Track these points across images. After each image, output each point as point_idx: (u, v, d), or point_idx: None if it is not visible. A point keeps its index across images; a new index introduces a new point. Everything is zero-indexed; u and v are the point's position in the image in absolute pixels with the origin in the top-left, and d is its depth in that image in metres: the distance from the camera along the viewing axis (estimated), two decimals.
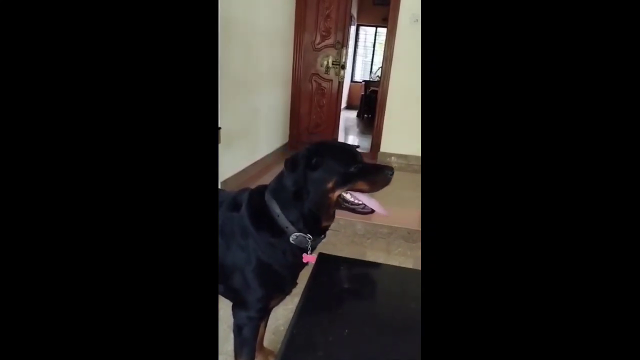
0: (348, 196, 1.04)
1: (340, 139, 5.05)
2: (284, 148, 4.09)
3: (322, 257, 1.02)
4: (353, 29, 8.03)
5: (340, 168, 1.01)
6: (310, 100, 4.20)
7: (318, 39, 4.00)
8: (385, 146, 4.08)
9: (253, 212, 1.08)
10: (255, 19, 2.93)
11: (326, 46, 4.02)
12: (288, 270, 1.10)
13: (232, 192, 1.23)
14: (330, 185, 1.01)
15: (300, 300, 0.84)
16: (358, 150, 1.11)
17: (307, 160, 1.01)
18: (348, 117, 7.92)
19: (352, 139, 5.67)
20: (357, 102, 8.47)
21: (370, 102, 6.81)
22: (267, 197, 1.07)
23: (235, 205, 1.12)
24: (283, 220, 1.04)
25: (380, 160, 4.05)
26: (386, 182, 1.04)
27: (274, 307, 1.20)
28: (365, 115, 7.77)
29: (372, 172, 1.04)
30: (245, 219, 1.08)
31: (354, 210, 1.06)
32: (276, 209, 1.05)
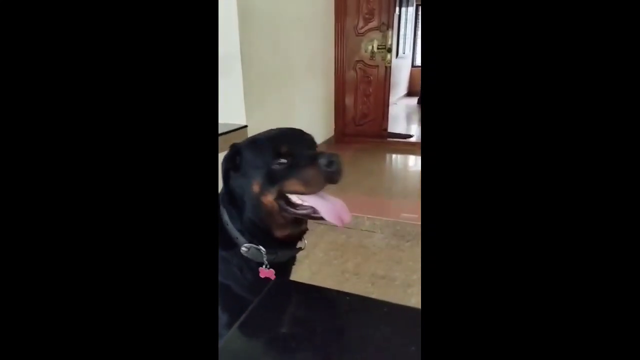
0: (294, 198, 0.78)
1: (401, 128, 4.69)
2: (329, 142, 3.90)
3: (275, 284, 0.81)
4: (411, 10, 7.49)
5: (260, 165, 0.78)
6: (356, 89, 3.93)
7: (361, 23, 3.72)
8: None
9: None
10: (282, 7, 2.77)
11: (370, 29, 3.72)
12: (252, 293, 0.90)
13: None
14: (255, 188, 0.78)
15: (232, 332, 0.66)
16: (308, 134, 0.85)
17: (230, 161, 0.80)
18: (409, 105, 7.43)
19: (415, 129, 5.26)
20: (419, 88, 7.92)
21: None
22: (220, 204, 0.89)
23: None
24: (232, 230, 0.85)
25: None
26: (322, 178, 0.73)
27: None
28: None
29: (301, 167, 0.75)
30: None
31: (306, 217, 0.79)
32: (225, 217, 0.86)
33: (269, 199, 0.78)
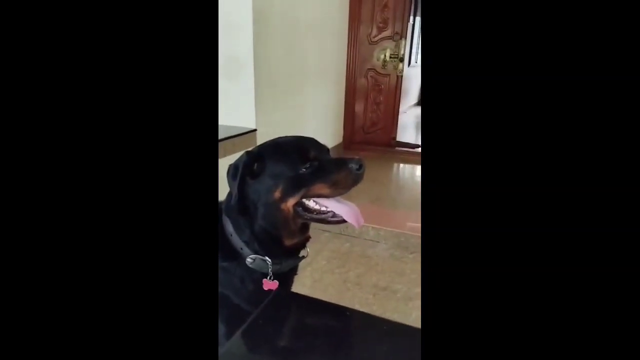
0: (311, 204, 0.82)
1: (410, 138, 4.67)
2: (337, 149, 3.89)
3: (276, 295, 0.81)
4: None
5: (286, 171, 0.80)
6: (366, 97, 3.93)
7: (374, 32, 3.72)
8: None
9: None
10: (298, 12, 2.78)
11: (383, 38, 3.72)
12: (252, 304, 0.89)
13: None
14: (277, 194, 0.80)
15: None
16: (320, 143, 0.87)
17: (248, 167, 0.81)
18: (419, 114, 7.40)
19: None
20: None
21: None
22: (223, 214, 0.89)
23: None
24: (236, 240, 0.86)
25: None
26: (352, 180, 0.79)
27: None
28: None
29: (331, 170, 0.79)
30: None
31: (322, 221, 0.83)
32: (229, 228, 0.87)
33: (289, 204, 0.80)
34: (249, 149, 0.84)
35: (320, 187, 0.79)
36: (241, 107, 2.44)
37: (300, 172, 0.79)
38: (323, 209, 0.82)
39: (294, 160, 0.80)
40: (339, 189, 0.79)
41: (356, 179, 0.79)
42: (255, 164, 0.81)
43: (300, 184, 0.79)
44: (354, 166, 0.78)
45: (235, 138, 2.27)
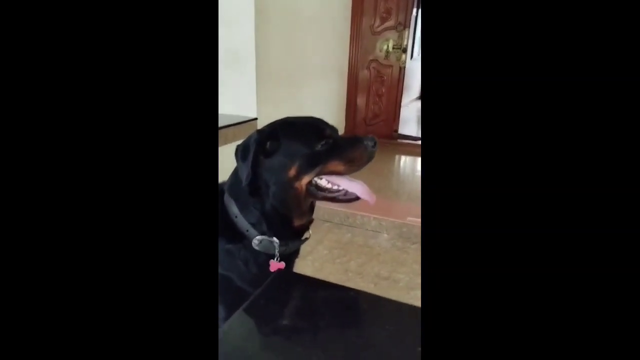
0: (323, 182, 0.81)
1: (412, 131, 4.64)
2: None
3: (278, 275, 0.80)
4: None
5: (302, 148, 0.79)
6: (368, 89, 3.90)
7: (377, 22, 3.68)
8: None
9: None
10: (300, 3, 2.75)
11: (386, 29, 3.68)
12: (255, 287, 0.88)
13: None
14: (292, 172, 0.79)
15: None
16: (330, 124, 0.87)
17: (260, 145, 0.79)
18: (421, 108, 7.38)
19: None
20: None
21: None
22: (226, 195, 0.87)
23: None
24: (242, 222, 0.84)
25: None
26: (367, 156, 0.80)
27: None
28: None
29: (347, 147, 0.80)
30: None
31: (334, 200, 0.83)
32: (234, 209, 0.85)
33: (303, 182, 0.80)
34: (259, 128, 0.82)
35: (335, 165, 0.79)
36: (243, 97, 2.43)
37: (317, 149, 0.79)
38: (335, 187, 0.82)
39: (310, 138, 0.79)
40: (354, 166, 0.80)
41: (371, 156, 0.80)
42: (268, 143, 0.79)
43: (316, 161, 0.79)
44: (369, 143, 0.79)
45: (237, 126, 2.26)
